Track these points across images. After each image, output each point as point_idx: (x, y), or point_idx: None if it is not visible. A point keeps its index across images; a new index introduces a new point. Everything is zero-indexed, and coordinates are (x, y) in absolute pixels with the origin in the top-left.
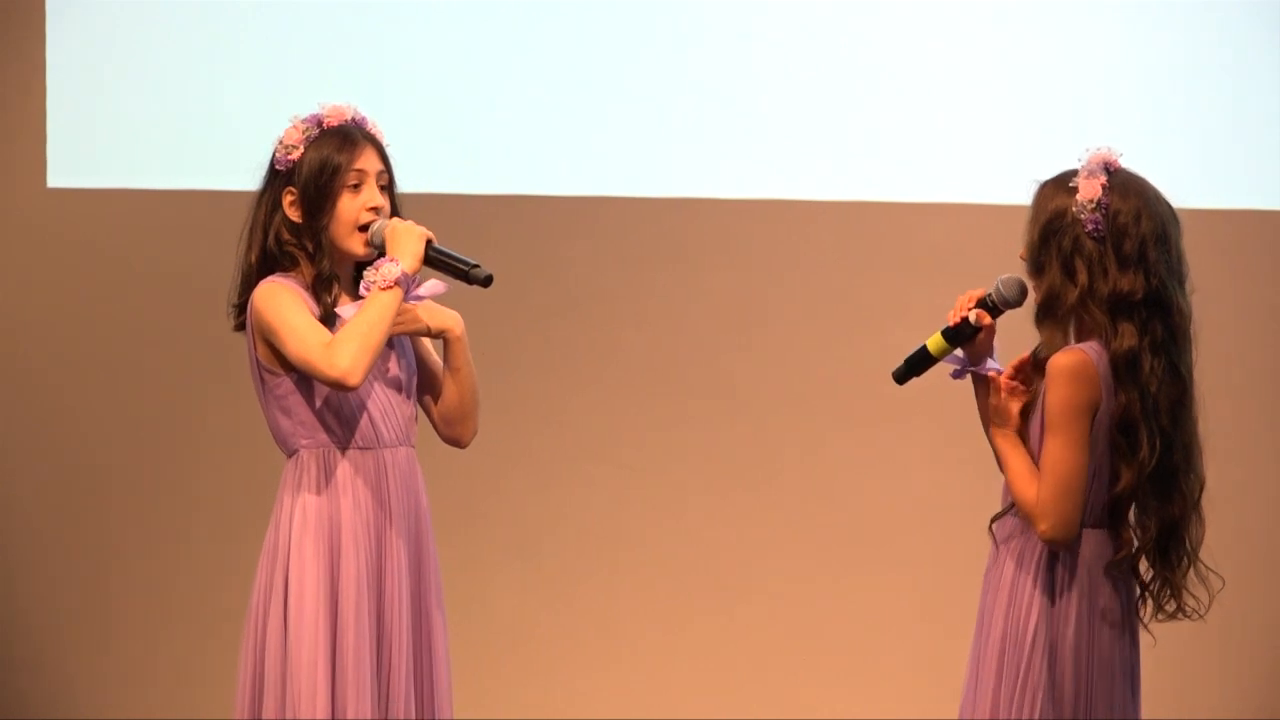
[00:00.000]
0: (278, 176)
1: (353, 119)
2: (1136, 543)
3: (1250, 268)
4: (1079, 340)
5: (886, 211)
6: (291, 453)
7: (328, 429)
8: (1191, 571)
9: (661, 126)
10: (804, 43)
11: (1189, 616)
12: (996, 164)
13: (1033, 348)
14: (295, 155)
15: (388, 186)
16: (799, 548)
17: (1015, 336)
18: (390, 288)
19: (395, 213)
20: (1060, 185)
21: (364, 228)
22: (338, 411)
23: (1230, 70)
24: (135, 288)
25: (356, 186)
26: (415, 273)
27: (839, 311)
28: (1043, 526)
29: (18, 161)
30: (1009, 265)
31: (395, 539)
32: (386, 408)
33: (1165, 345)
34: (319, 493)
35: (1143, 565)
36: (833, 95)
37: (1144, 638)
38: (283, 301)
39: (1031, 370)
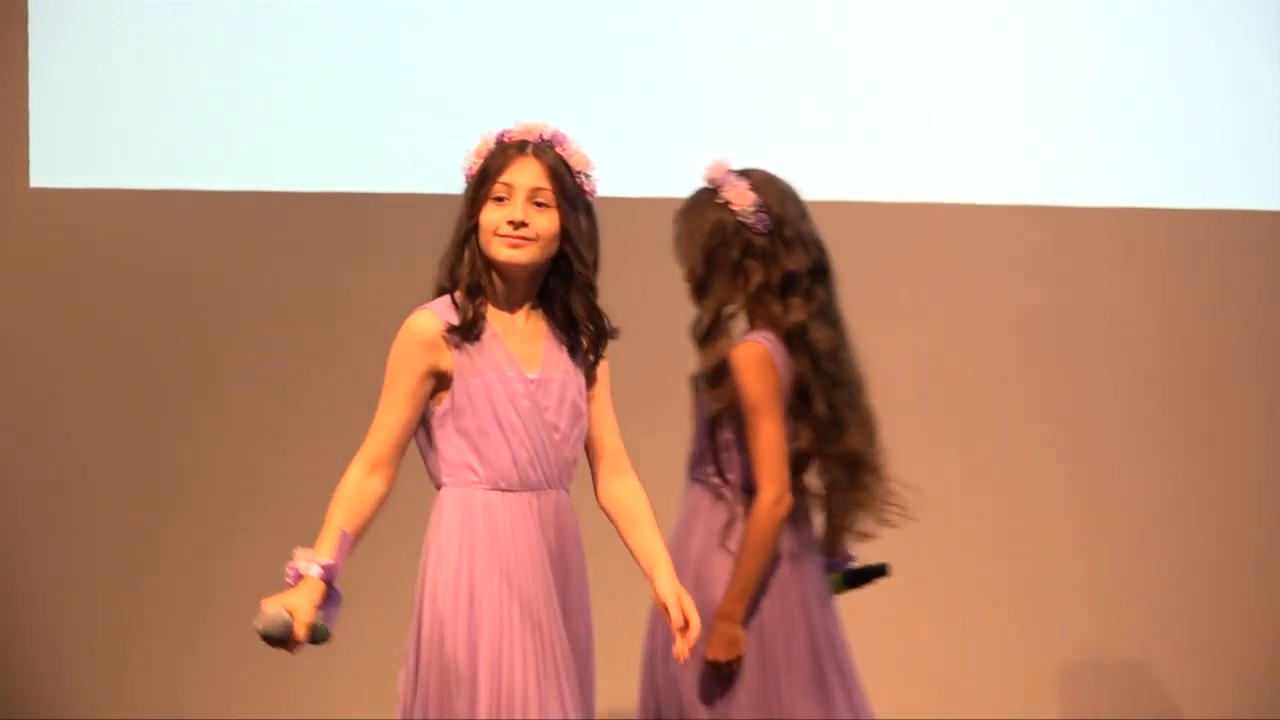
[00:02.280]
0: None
1: (542, 136)
2: (815, 488)
3: (1247, 268)
4: (748, 333)
5: (871, 211)
6: (438, 486)
7: (470, 467)
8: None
9: (650, 125)
10: (796, 41)
11: (894, 525)
12: (990, 165)
13: (700, 371)
14: (473, 167)
15: (550, 204)
16: None
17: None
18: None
19: (566, 230)
20: (705, 205)
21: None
22: (483, 451)
23: (1228, 70)
24: (119, 288)
25: (501, 199)
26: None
27: None
28: (770, 494)
29: (1, 161)
30: (1000, 265)
31: (533, 584)
32: (539, 450)
33: (825, 305)
34: (456, 533)
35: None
36: (825, 94)
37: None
38: (397, 366)
39: (707, 386)
